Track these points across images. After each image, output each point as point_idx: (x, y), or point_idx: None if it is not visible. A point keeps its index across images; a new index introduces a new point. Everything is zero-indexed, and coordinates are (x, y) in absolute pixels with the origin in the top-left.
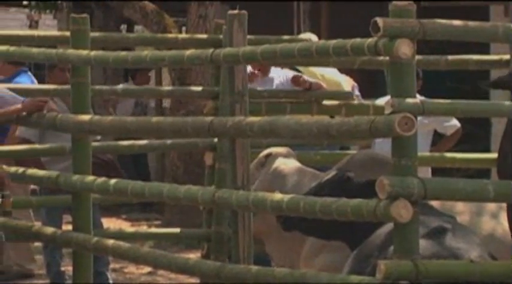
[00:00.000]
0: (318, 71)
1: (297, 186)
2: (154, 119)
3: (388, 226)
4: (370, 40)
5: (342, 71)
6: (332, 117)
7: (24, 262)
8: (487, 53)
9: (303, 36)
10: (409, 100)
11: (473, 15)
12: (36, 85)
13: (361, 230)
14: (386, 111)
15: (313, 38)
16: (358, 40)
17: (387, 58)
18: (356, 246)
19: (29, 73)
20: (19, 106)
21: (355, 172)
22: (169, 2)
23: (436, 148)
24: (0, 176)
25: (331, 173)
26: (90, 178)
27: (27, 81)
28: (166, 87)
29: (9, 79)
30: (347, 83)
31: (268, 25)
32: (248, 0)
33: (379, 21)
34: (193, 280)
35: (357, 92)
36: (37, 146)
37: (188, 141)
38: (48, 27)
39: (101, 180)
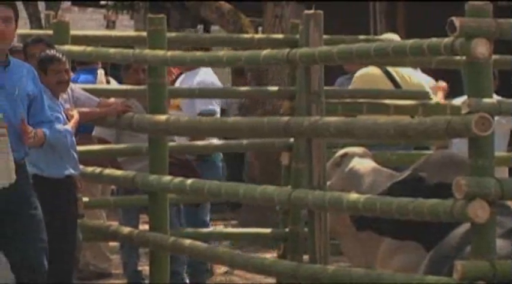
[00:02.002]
0: (405, 72)
1: (372, 186)
2: (231, 119)
3: (464, 227)
4: (446, 40)
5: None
6: (412, 117)
7: (98, 261)
8: None
9: (385, 36)
10: (486, 100)
11: None
12: (113, 86)
13: (435, 230)
14: (463, 111)
15: (396, 38)
16: (434, 40)
17: (464, 58)
18: (430, 247)
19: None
20: (103, 110)
21: (432, 173)
22: (246, 2)
23: None
24: (74, 177)
25: (406, 173)
26: (167, 178)
27: (89, 78)
28: (243, 87)
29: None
30: (431, 85)
31: (344, 25)
32: (324, 0)
33: (456, 20)
34: (269, 280)
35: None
36: (114, 146)
37: (264, 141)
38: (125, 27)
39: (178, 179)
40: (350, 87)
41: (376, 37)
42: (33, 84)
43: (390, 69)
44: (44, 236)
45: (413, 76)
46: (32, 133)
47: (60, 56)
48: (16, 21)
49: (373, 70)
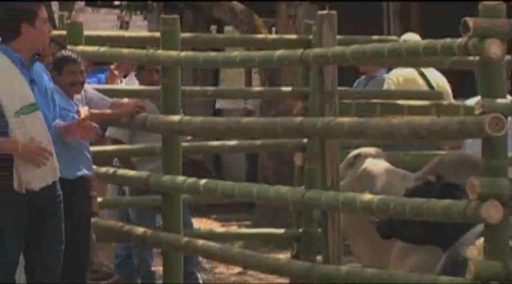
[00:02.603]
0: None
1: (386, 186)
2: (244, 120)
3: (480, 227)
4: (460, 40)
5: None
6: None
7: (111, 262)
8: None
9: (406, 36)
10: (500, 100)
11: None
12: (126, 86)
13: (453, 233)
14: (477, 112)
15: (417, 38)
16: (448, 40)
17: (477, 58)
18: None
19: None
20: (116, 111)
21: (445, 173)
22: (259, 2)
23: None
24: (88, 178)
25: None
26: (180, 178)
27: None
28: (257, 88)
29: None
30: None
31: (358, 25)
32: (337, 0)
33: (469, 21)
34: (282, 280)
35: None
36: (127, 146)
37: (278, 142)
38: (139, 27)
39: (191, 180)
40: (384, 87)
41: (390, 37)
42: (49, 80)
43: (424, 70)
44: (63, 238)
45: (439, 79)
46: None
47: (76, 56)
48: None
49: (410, 71)
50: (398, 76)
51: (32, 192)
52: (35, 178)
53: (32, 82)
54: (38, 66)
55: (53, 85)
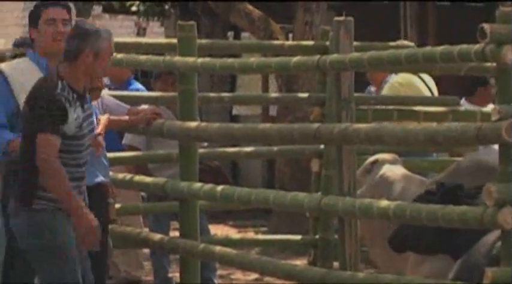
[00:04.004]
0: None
1: (403, 192)
2: (261, 126)
3: (494, 234)
4: (477, 46)
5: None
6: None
7: (131, 268)
8: None
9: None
10: None
11: None
12: (143, 93)
13: (464, 242)
14: (494, 118)
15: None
16: (465, 46)
17: (494, 64)
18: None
19: (134, 82)
20: (132, 118)
21: (462, 179)
22: (276, 8)
23: None
24: (104, 184)
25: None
26: (197, 184)
27: (140, 88)
28: (273, 94)
29: (125, 86)
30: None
31: (375, 31)
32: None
33: (486, 27)
34: None
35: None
36: (144, 153)
37: (295, 148)
38: (156, 34)
39: (208, 186)
40: (386, 92)
41: (407, 42)
42: None
43: (422, 75)
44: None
45: (433, 84)
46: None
47: None
48: (71, 21)
49: (412, 76)
50: (402, 81)
51: None
52: None
53: None
54: None
55: None
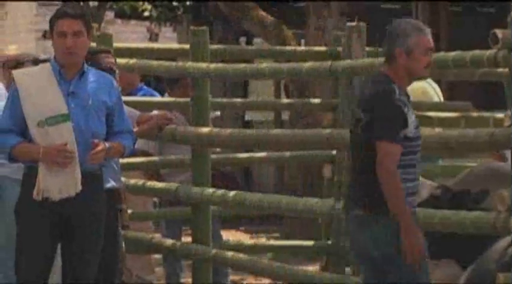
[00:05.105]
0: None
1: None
2: (273, 131)
3: (507, 240)
4: (489, 52)
5: (460, 82)
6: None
7: (143, 273)
8: None
9: None
10: None
11: None
12: (156, 98)
13: (468, 247)
14: (506, 124)
15: None
16: (477, 52)
17: (506, 70)
18: (464, 262)
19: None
20: (144, 127)
21: (475, 185)
22: (288, 14)
23: None
24: (115, 190)
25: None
26: (210, 190)
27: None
28: (286, 100)
29: (134, 92)
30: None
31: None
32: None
33: (498, 32)
34: None
35: None
36: (157, 158)
37: (307, 153)
38: (168, 40)
39: (220, 191)
40: None
41: None
42: (109, 94)
43: (430, 82)
44: (95, 251)
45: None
46: (103, 152)
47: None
48: (88, 32)
49: (424, 83)
50: (415, 87)
51: (54, 203)
52: (54, 187)
53: (70, 94)
54: (96, 80)
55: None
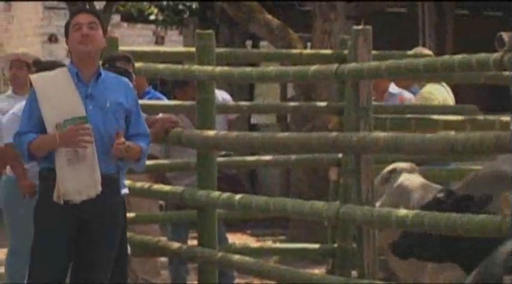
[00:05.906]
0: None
1: (421, 201)
2: (279, 135)
3: (510, 244)
4: (495, 55)
5: (466, 86)
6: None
7: (149, 276)
8: None
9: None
10: None
11: None
12: (161, 102)
13: (471, 250)
14: None
15: (427, 52)
16: (483, 55)
17: None
18: (467, 266)
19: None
20: (151, 130)
21: (480, 188)
22: (294, 17)
23: None
24: (127, 195)
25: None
26: (215, 193)
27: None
28: (292, 103)
29: (142, 96)
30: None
31: (393, 40)
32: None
33: (505, 35)
34: None
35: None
36: (163, 161)
37: (313, 157)
38: (174, 43)
39: (226, 195)
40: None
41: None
42: (125, 97)
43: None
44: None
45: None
46: (124, 144)
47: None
48: (102, 28)
49: (440, 86)
50: (432, 90)
51: (74, 206)
52: (74, 189)
53: (88, 97)
54: (113, 83)
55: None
